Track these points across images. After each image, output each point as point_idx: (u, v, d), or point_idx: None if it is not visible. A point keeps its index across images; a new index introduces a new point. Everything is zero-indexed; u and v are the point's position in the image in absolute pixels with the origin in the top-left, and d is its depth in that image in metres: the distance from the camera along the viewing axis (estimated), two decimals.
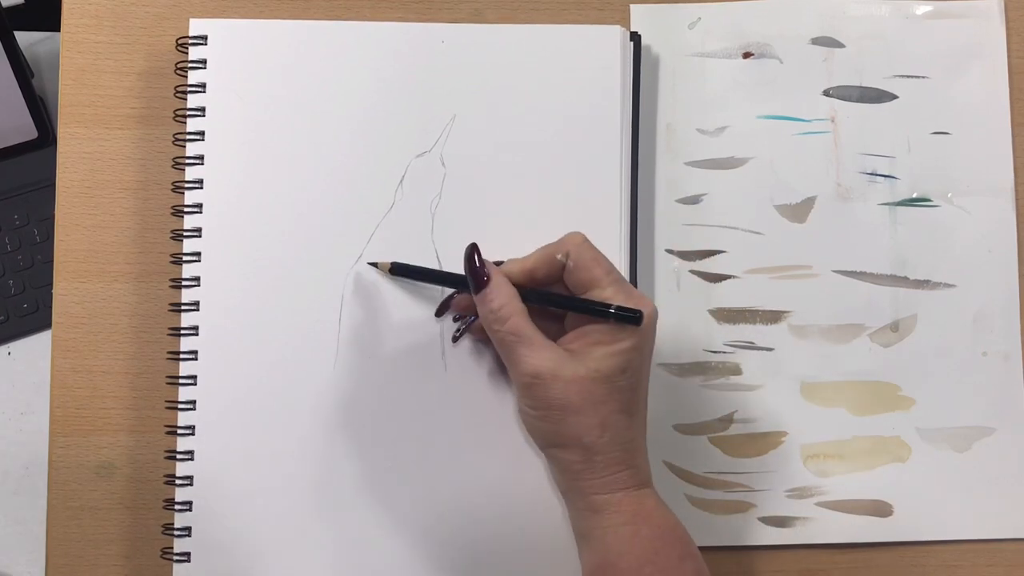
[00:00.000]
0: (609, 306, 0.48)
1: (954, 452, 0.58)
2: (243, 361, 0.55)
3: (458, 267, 0.55)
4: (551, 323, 0.52)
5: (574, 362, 0.47)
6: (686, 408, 0.58)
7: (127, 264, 0.58)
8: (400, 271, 0.54)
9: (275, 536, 0.54)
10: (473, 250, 0.50)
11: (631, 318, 0.47)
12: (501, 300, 0.49)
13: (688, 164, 0.60)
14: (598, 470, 0.48)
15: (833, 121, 0.60)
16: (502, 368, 0.54)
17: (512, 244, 0.55)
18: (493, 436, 0.55)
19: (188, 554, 0.54)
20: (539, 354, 0.48)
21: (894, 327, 0.59)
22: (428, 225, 0.56)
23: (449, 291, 0.54)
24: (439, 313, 0.55)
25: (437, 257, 0.56)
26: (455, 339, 0.54)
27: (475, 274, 0.50)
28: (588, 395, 0.47)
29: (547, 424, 0.48)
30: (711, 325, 0.59)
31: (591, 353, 0.48)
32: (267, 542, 0.54)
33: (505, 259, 0.52)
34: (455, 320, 0.55)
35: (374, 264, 0.55)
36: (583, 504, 0.49)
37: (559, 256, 0.50)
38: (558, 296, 0.51)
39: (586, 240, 0.50)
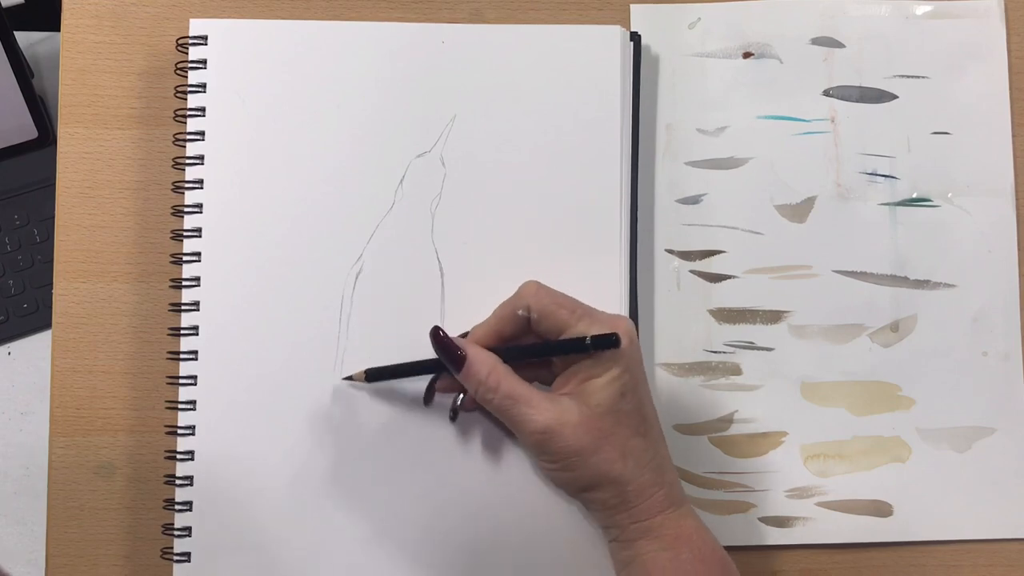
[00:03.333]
0: (583, 338, 0.47)
1: (954, 452, 0.58)
2: (243, 361, 0.55)
3: (458, 270, 0.55)
4: (538, 372, 0.52)
5: (575, 405, 0.47)
6: (686, 408, 0.58)
7: (127, 264, 0.58)
8: (375, 376, 0.53)
9: (275, 536, 0.54)
10: (438, 331, 0.49)
11: (608, 342, 0.47)
12: (486, 369, 0.48)
13: (688, 164, 0.60)
14: (632, 499, 0.48)
15: (833, 121, 0.60)
16: None
17: (512, 244, 0.55)
18: (494, 434, 0.55)
19: (188, 554, 0.54)
20: (541, 409, 0.47)
21: (894, 327, 0.59)
22: (428, 225, 0.56)
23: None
24: (427, 402, 0.54)
25: (437, 257, 0.56)
26: (453, 418, 0.54)
27: (450, 354, 0.49)
28: (599, 431, 0.47)
29: (570, 472, 0.48)
30: (711, 325, 0.59)
31: (586, 390, 0.48)
32: (267, 542, 0.54)
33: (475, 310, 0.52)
34: (450, 408, 0.54)
35: (349, 378, 0.54)
36: (624, 535, 0.49)
37: (520, 311, 0.50)
38: (534, 347, 0.51)
39: (540, 286, 0.50)
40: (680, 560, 0.47)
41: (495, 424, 0.54)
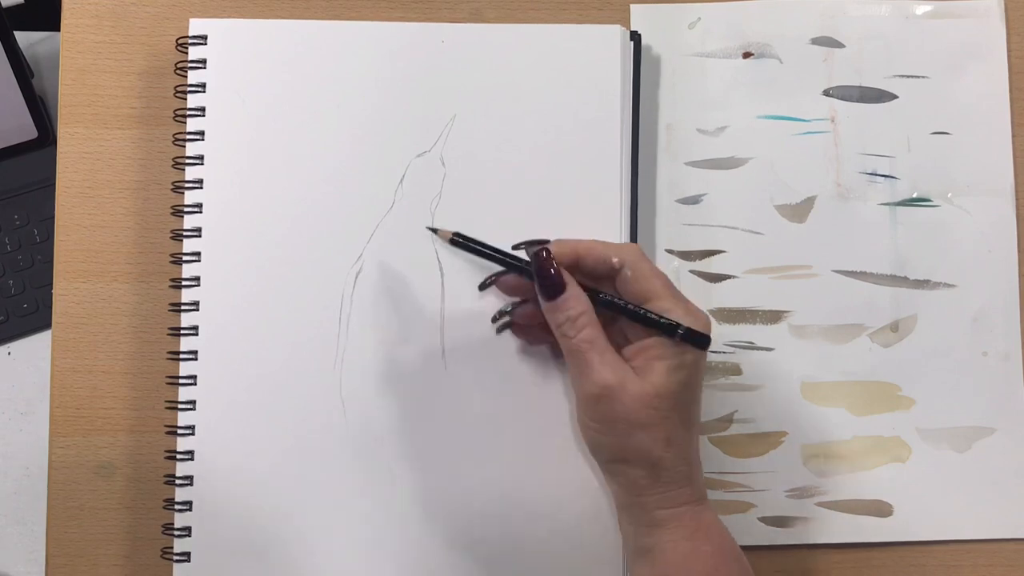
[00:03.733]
0: (678, 326, 0.47)
1: (954, 452, 0.58)
2: (243, 361, 0.55)
3: (458, 270, 0.55)
4: (608, 331, 0.51)
5: (639, 378, 0.47)
6: None
7: (127, 264, 0.58)
8: (460, 243, 0.53)
9: (276, 536, 0.54)
10: (548, 254, 0.49)
11: (698, 341, 0.48)
12: (579, 309, 0.48)
13: (688, 164, 0.60)
14: (662, 486, 0.48)
15: (833, 121, 0.60)
16: (502, 367, 0.55)
17: (512, 244, 0.55)
18: (494, 434, 0.55)
19: (188, 554, 0.54)
20: (609, 367, 0.47)
21: (894, 327, 0.59)
22: (428, 225, 0.56)
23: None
24: (483, 287, 0.54)
25: (437, 257, 0.56)
26: (498, 329, 0.54)
27: (549, 280, 0.49)
28: (655, 411, 0.47)
29: (612, 438, 0.48)
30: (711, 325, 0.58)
31: (654, 368, 0.48)
32: (267, 542, 0.54)
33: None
34: (499, 311, 0.54)
35: (434, 229, 0.54)
36: (645, 519, 0.49)
37: (615, 260, 0.50)
38: (628, 307, 0.50)
39: (643, 254, 0.50)
40: (699, 552, 0.48)
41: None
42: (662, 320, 0.48)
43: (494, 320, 0.54)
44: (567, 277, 0.49)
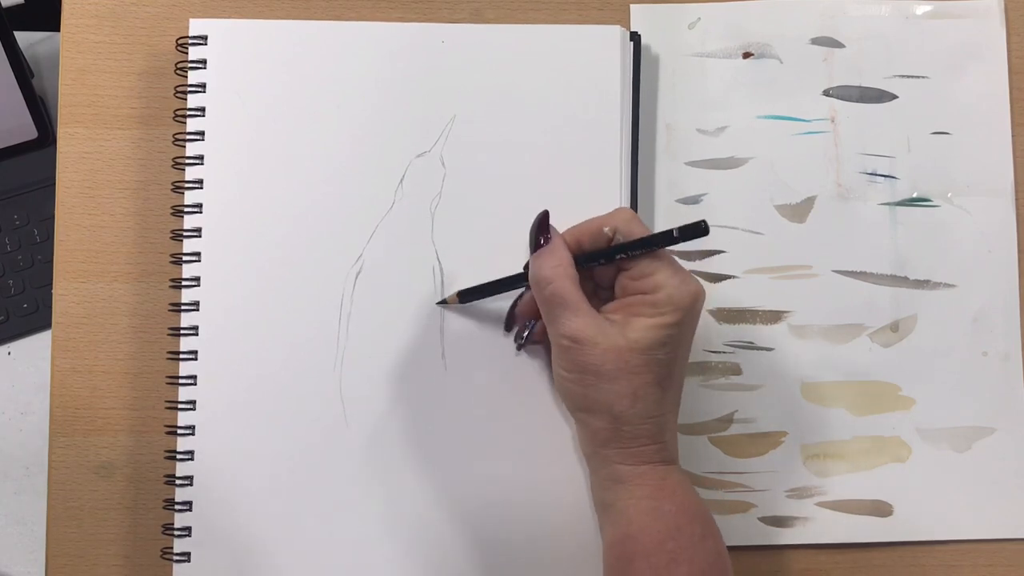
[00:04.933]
0: (670, 231, 0.47)
1: (954, 452, 0.58)
2: (243, 361, 0.55)
3: (458, 270, 0.55)
4: (600, 298, 0.52)
5: (613, 331, 0.48)
6: (686, 408, 0.58)
7: (127, 264, 0.58)
8: (468, 296, 0.54)
9: (275, 536, 0.54)
10: (546, 216, 0.51)
11: (697, 231, 0.46)
12: (554, 262, 0.49)
13: (688, 164, 0.60)
14: (624, 440, 0.48)
15: (833, 121, 0.60)
16: (502, 367, 0.55)
17: (512, 244, 0.55)
18: (494, 434, 0.55)
19: (188, 554, 0.54)
20: (580, 319, 0.48)
21: (894, 327, 0.59)
22: (428, 225, 0.56)
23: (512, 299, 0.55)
24: (508, 327, 0.55)
25: (437, 257, 0.56)
26: (519, 347, 0.55)
27: (535, 235, 0.51)
28: (623, 364, 0.47)
29: (579, 388, 0.48)
30: (711, 325, 0.59)
31: (632, 324, 0.48)
32: (267, 542, 0.54)
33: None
34: (518, 334, 0.55)
35: (443, 302, 0.55)
36: (606, 473, 0.49)
37: (606, 230, 0.50)
38: (614, 247, 0.50)
39: (635, 216, 0.50)
40: (662, 511, 0.48)
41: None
42: (652, 239, 0.48)
43: (517, 341, 0.55)
44: (555, 234, 0.51)
